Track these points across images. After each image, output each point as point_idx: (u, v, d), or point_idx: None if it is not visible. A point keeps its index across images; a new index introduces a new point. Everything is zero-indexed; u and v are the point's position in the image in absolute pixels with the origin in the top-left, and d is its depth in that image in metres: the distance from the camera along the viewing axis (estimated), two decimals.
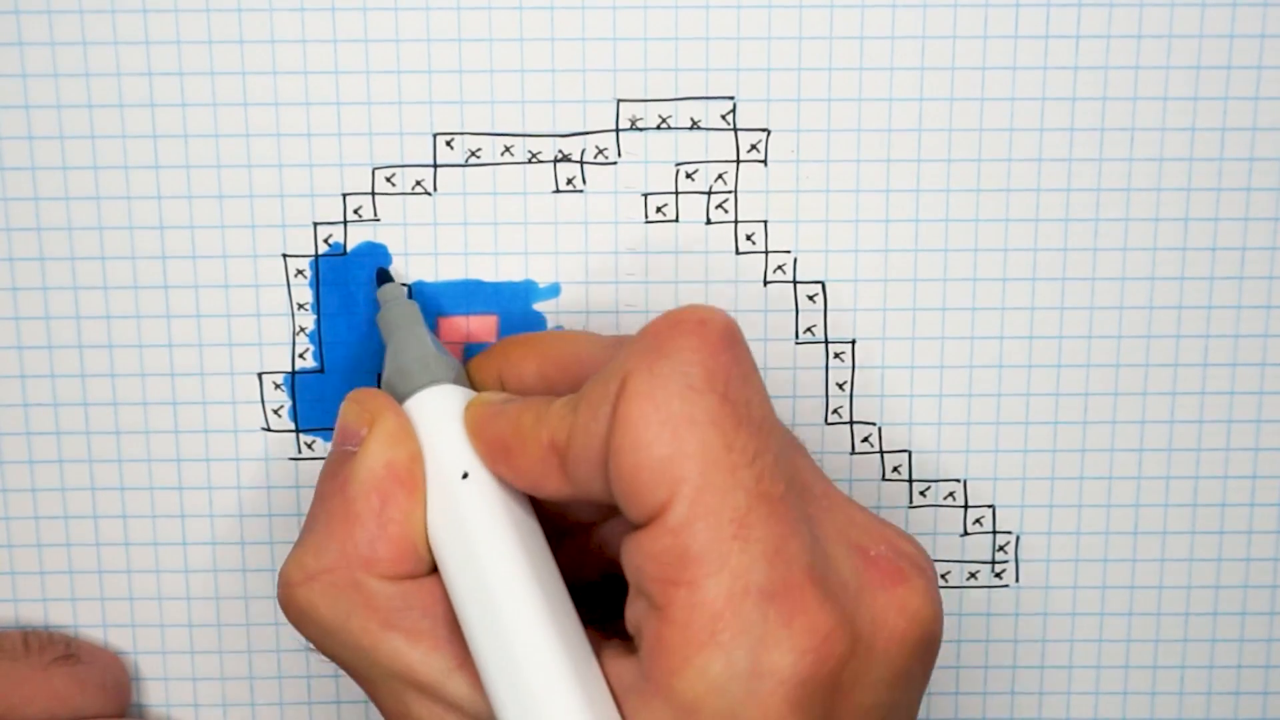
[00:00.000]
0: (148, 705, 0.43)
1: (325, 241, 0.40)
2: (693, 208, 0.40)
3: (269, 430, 0.41)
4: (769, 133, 0.40)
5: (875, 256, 0.41)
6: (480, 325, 0.41)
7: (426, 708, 0.34)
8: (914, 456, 0.42)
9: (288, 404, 0.41)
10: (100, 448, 0.41)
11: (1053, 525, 0.42)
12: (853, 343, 0.41)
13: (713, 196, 0.40)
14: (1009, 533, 0.42)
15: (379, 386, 0.37)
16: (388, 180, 0.40)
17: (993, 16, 0.39)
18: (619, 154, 0.40)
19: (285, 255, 0.40)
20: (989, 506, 0.42)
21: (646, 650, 0.31)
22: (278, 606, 0.42)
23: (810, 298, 0.41)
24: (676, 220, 0.40)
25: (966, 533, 0.42)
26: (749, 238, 0.40)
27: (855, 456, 0.42)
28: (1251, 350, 0.41)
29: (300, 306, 0.41)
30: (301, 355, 0.41)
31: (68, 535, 0.42)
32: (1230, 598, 0.43)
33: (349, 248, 0.40)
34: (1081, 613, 0.43)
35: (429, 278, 0.40)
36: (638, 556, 0.31)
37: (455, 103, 0.39)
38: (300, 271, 0.40)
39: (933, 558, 0.41)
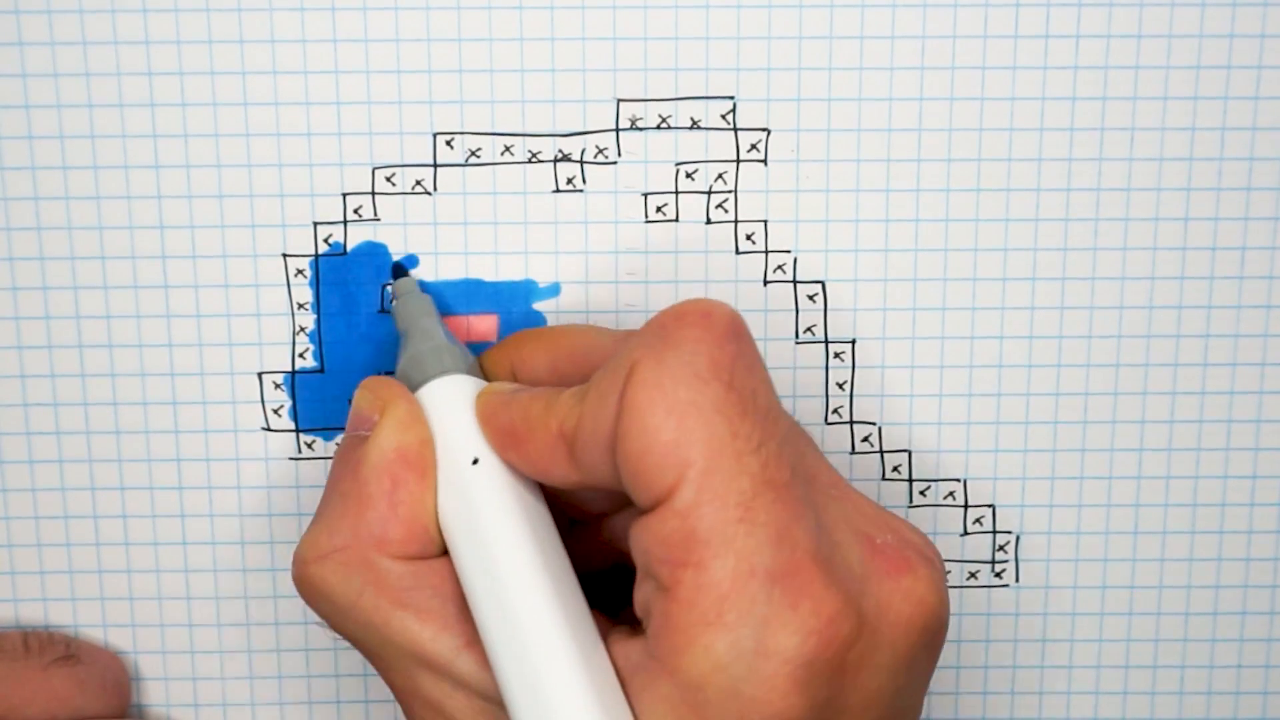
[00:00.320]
0: (148, 705, 0.43)
1: (325, 241, 0.40)
2: (693, 207, 0.40)
3: (269, 430, 0.41)
4: (769, 132, 0.40)
5: (875, 256, 0.41)
6: (480, 325, 0.41)
7: (435, 685, 0.35)
8: (914, 456, 0.42)
9: (288, 404, 0.41)
10: (100, 448, 0.41)
11: (1053, 525, 0.42)
12: (853, 343, 0.41)
13: (713, 196, 0.40)
14: (1009, 533, 0.42)
15: (393, 376, 0.38)
16: (388, 180, 0.40)
17: (993, 16, 0.39)
18: (619, 154, 0.40)
19: (285, 255, 0.40)
20: (989, 506, 0.42)
21: (653, 630, 0.32)
22: (278, 606, 0.42)
23: (810, 297, 0.41)
24: (676, 220, 0.40)
25: (966, 533, 0.42)
26: (749, 237, 0.40)
27: (855, 456, 0.42)
28: (1251, 350, 0.41)
29: (300, 306, 0.41)
30: (301, 355, 0.41)
31: (68, 535, 0.42)
32: (1230, 598, 0.43)
33: (349, 247, 0.40)
34: (1081, 613, 0.43)
35: (429, 277, 0.40)
36: (645, 539, 0.32)
37: (455, 102, 0.39)
38: (300, 271, 0.40)
39: None
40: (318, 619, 0.38)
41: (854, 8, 0.39)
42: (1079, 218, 0.40)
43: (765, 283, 0.41)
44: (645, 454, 0.31)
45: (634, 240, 0.40)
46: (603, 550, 0.37)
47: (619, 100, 0.40)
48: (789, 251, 0.41)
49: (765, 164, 0.40)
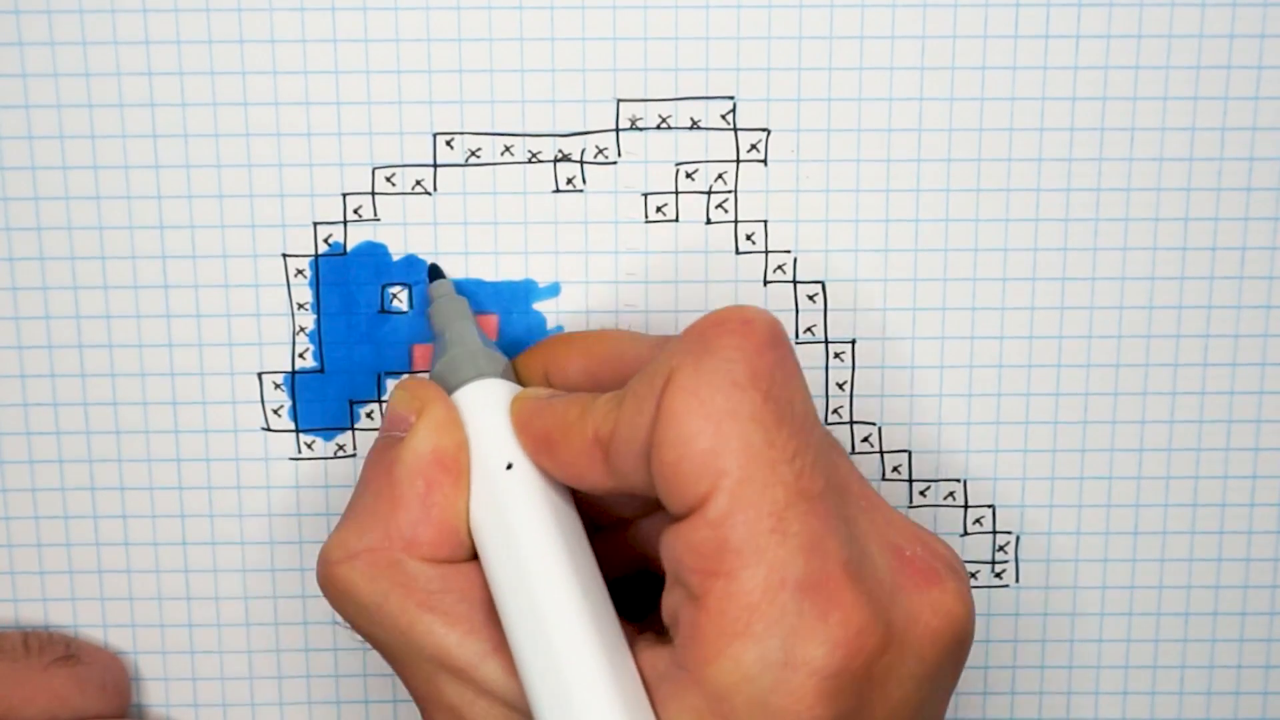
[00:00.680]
0: (148, 705, 0.43)
1: (325, 241, 0.40)
2: (693, 207, 0.40)
3: (269, 430, 0.41)
4: (769, 132, 0.40)
5: (875, 256, 0.41)
6: (481, 325, 0.41)
7: (458, 691, 0.34)
8: (914, 456, 0.42)
9: (287, 404, 0.41)
10: (100, 448, 0.41)
11: (1053, 525, 0.42)
12: (853, 343, 0.41)
13: (713, 196, 0.40)
14: (1009, 533, 0.42)
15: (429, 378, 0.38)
16: (388, 180, 0.40)
17: (993, 16, 0.39)
18: (619, 154, 0.40)
19: (285, 255, 0.40)
20: (989, 506, 0.42)
21: (682, 639, 0.32)
22: (278, 606, 0.42)
23: (810, 298, 0.41)
24: (676, 220, 0.40)
25: (966, 533, 0.42)
26: (749, 238, 0.40)
27: (855, 456, 0.42)
28: (1251, 350, 0.41)
29: (300, 306, 0.41)
30: (301, 355, 0.41)
31: (68, 535, 0.42)
32: (1230, 598, 0.43)
33: (349, 248, 0.40)
34: (1081, 613, 0.43)
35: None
36: (677, 547, 0.32)
37: (455, 103, 0.39)
38: (300, 271, 0.40)
39: None
40: (341, 620, 0.37)
41: (854, 8, 0.39)
42: (1079, 218, 0.40)
43: (765, 283, 0.41)
44: (680, 462, 0.31)
45: (634, 240, 0.40)
46: (627, 556, 0.37)
47: (619, 100, 0.40)
48: (789, 251, 0.41)
49: (765, 164, 0.40)
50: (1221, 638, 0.43)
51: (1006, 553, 0.42)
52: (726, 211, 0.40)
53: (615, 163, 0.40)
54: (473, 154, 0.40)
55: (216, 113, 0.39)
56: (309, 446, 0.41)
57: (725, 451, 0.31)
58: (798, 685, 0.31)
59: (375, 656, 0.42)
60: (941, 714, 0.34)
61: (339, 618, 0.38)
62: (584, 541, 0.35)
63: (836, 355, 0.41)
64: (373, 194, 0.40)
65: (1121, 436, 0.42)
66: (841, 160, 0.40)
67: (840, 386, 0.41)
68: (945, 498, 0.42)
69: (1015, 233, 0.40)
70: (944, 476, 0.42)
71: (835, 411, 0.41)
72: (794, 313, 0.41)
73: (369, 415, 0.41)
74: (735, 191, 0.40)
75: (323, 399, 0.41)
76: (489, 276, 0.40)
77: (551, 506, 0.34)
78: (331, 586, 0.36)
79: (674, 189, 0.40)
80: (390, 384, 0.41)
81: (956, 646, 0.33)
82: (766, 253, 0.41)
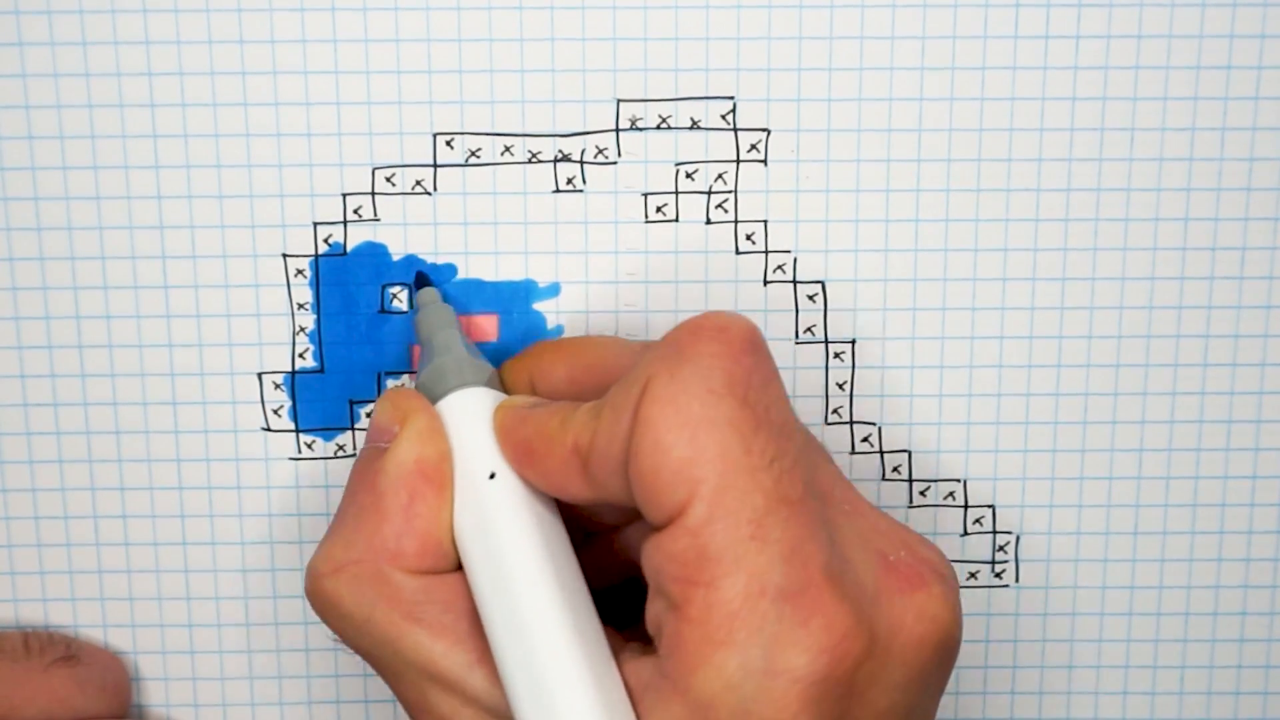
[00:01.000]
0: (148, 705, 0.43)
1: (325, 241, 0.40)
2: (693, 208, 0.40)
3: (269, 430, 0.41)
4: (769, 133, 0.40)
5: (875, 256, 0.41)
6: (480, 325, 0.41)
7: (447, 701, 0.34)
8: (914, 456, 0.42)
9: (287, 404, 0.41)
10: (100, 448, 0.41)
11: (1053, 525, 0.42)
12: (853, 343, 0.41)
13: (713, 196, 0.40)
14: (1009, 533, 0.42)
15: (412, 387, 0.38)
16: (388, 180, 0.40)
17: (993, 16, 0.39)
18: (619, 154, 0.40)
19: (285, 255, 0.40)
20: (989, 506, 0.42)
21: (665, 649, 0.32)
22: (278, 606, 0.42)
23: (810, 298, 0.41)
24: (676, 220, 0.40)
25: (966, 533, 0.42)
26: (749, 238, 0.40)
27: (855, 456, 0.42)
28: (1251, 350, 0.41)
29: (300, 306, 0.41)
30: (301, 355, 0.41)
31: (68, 535, 0.42)
32: (1230, 598, 0.43)
33: (349, 248, 0.40)
34: (1081, 613, 0.43)
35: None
36: (657, 556, 0.32)
37: (455, 103, 0.39)
38: (300, 271, 0.40)
39: None
40: (331, 633, 0.37)
41: (854, 8, 0.39)
42: (1079, 218, 0.40)
43: (765, 283, 0.41)
44: (658, 471, 0.31)
45: (634, 240, 0.40)
46: (616, 564, 0.37)
47: (619, 100, 0.40)
48: (789, 251, 0.41)
49: (765, 164, 0.40)
50: (1221, 638, 0.43)
51: (1006, 553, 0.42)
52: (726, 211, 0.40)
53: (615, 163, 0.40)
54: (473, 154, 0.40)
55: (216, 113, 0.39)
56: (309, 446, 0.41)
57: (702, 459, 0.31)
58: (781, 693, 0.30)
59: None
60: (931, 718, 0.34)
61: (330, 634, 0.38)
62: (568, 551, 0.35)
63: (836, 355, 0.41)
64: (373, 194, 0.40)
65: (1121, 436, 0.42)
66: (841, 160, 0.40)
67: (840, 386, 0.41)
68: (945, 498, 0.42)
69: (1015, 233, 0.40)
70: (944, 476, 0.42)
71: (835, 411, 0.41)
72: (794, 313, 0.41)
73: (369, 415, 0.41)
74: (735, 191, 0.40)
75: (323, 399, 0.41)
76: (489, 276, 0.40)
77: (534, 516, 0.34)
78: (319, 599, 0.36)
79: (674, 189, 0.40)
80: (390, 384, 0.41)
81: (943, 652, 0.33)
82: (766, 253, 0.41)
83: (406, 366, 0.41)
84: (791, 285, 0.41)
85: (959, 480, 0.42)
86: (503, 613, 0.33)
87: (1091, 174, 0.40)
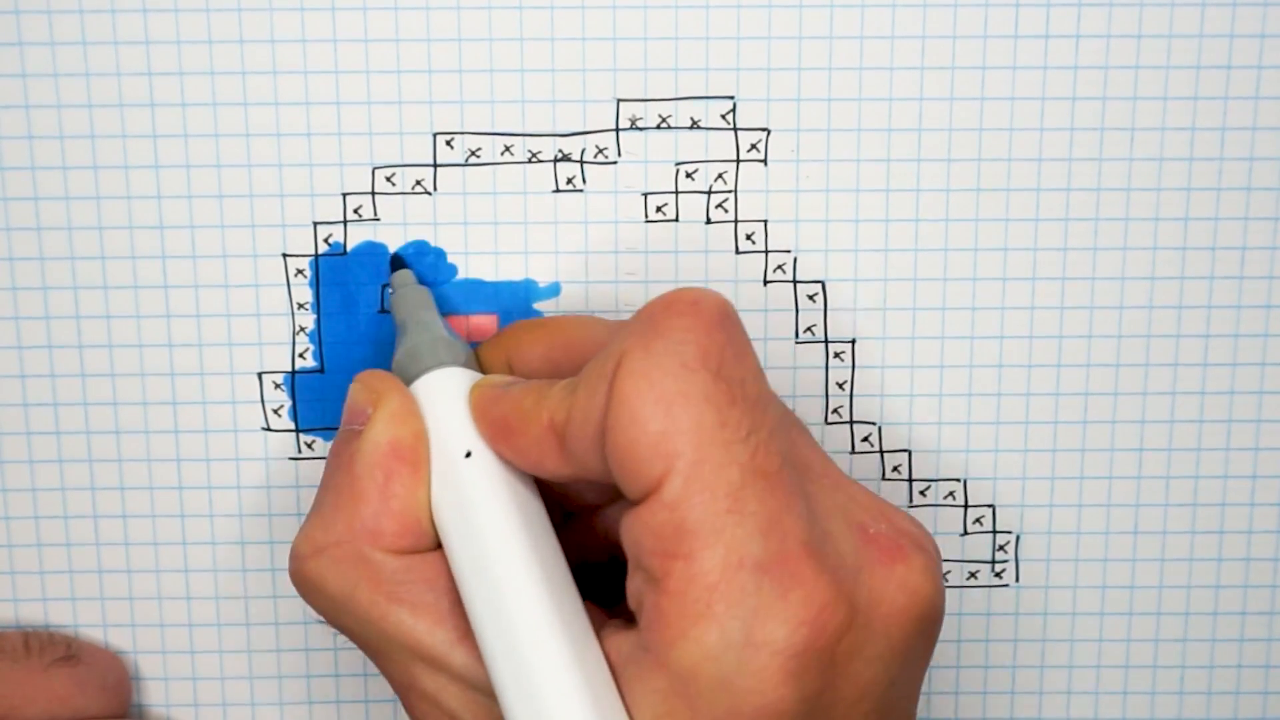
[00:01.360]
0: (148, 705, 0.43)
1: (325, 241, 0.40)
2: (693, 207, 0.40)
3: (269, 430, 0.41)
4: (769, 132, 0.40)
5: (875, 256, 0.41)
6: (480, 324, 0.41)
7: (431, 678, 0.35)
8: (914, 456, 0.42)
9: (287, 404, 0.41)
10: (100, 448, 0.41)
11: (1053, 525, 0.42)
12: (853, 342, 0.41)
13: (713, 196, 0.40)
14: (1009, 533, 0.42)
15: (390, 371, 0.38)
16: (388, 180, 0.40)
17: (993, 16, 0.39)
18: (619, 154, 0.40)
19: (285, 255, 0.40)
20: (989, 506, 0.42)
21: (645, 622, 0.32)
22: (278, 606, 0.42)
23: (810, 297, 0.41)
24: (676, 220, 0.40)
25: (966, 533, 0.42)
26: (749, 237, 0.40)
27: (855, 456, 0.42)
28: (1251, 350, 0.41)
29: (300, 306, 0.41)
30: (301, 355, 0.41)
31: (68, 535, 0.42)
32: (1230, 598, 0.43)
33: (349, 247, 0.40)
34: (1081, 613, 0.43)
35: (427, 277, 0.40)
36: (635, 530, 0.32)
37: (455, 102, 0.39)
38: (300, 271, 0.40)
39: None
40: (317, 616, 0.38)
41: (854, 8, 0.39)
42: (1079, 218, 0.40)
43: (765, 283, 0.41)
44: (633, 445, 0.31)
45: (634, 240, 0.40)
46: (597, 542, 0.37)
47: (619, 100, 0.40)
48: (789, 251, 0.41)
49: (765, 164, 0.40)
50: (1221, 638, 0.43)
51: (1006, 553, 0.42)
52: (726, 211, 0.40)
53: (615, 163, 0.40)
54: (473, 154, 0.40)
55: (216, 113, 0.39)
56: (309, 446, 0.41)
57: (677, 433, 0.31)
58: (761, 665, 0.30)
59: None
60: (914, 694, 0.34)
61: (315, 615, 0.38)
62: (547, 527, 0.35)
63: (836, 355, 0.41)
64: (373, 194, 0.40)
65: (1121, 436, 0.42)
66: (841, 160, 0.40)
67: (840, 386, 0.41)
68: (945, 498, 0.42)
69: (1015, 233, 0.40)
70: (944, 476, 0.42)
71: (835, 411, 0.41)
72: (794, 313, 0.41)
73: None
74: (735, 191, 0.40)
75: (323, 399, 0.41)
76: (489, 276, 0.40)
77: (512, 493, 0.34)
78: (302, 582, 0.36)
79: (674, 189, 0.40)
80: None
81: (924, 624, 0.33)
82: (766, 253, 0.41)
83: None
84: (791, 285, 0.41)
85: (959, 480, 0.42)
86: (482, 589, 0.33)
87: (1091, 174, 0.40)
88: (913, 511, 0.42)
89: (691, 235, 0.40)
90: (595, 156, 0.40)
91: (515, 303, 0.41)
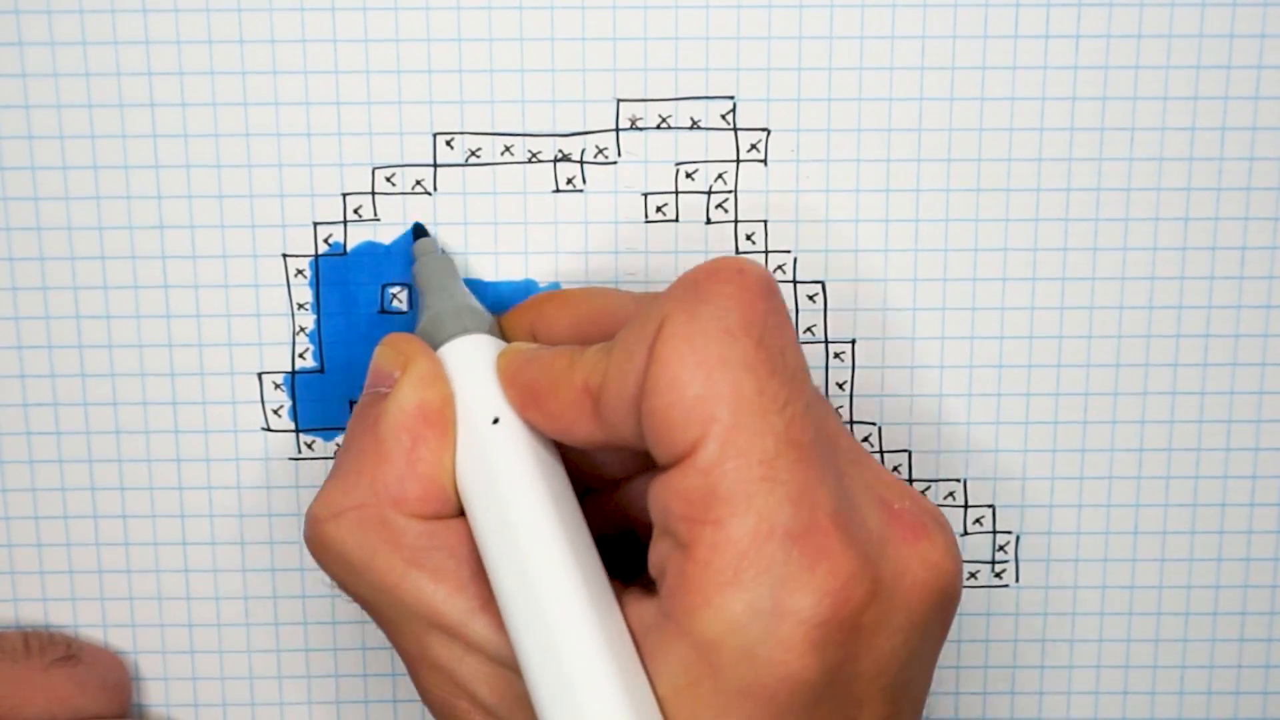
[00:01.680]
0: (148, 705, 0.43)
1: (325, 241, 0.40)
2: (693, 207, 0.40)
3: (269, 430, 0.41)
4: (769, 132, 0.40)
5: (875, 256, 0.41)
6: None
7: (447, 648, 0.34)
8: (914, 456, 0.42)
9: (287, 404, 0.41)
10: (100, 448, 0.41)
11: (1053, 525, 0.42)
12: (853, 343, 0.41)
13: (713, 196, 0.40)
14: (1009, 533, 0.42)
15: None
16: (388, 180, 0.40)
17: (993, 16, 0.39)
18: (619, 154, 0.40)
19: (285, 255, 0.40)
20: (989, 506, 0.42)
21: (669, 589, 0.32)
22: (278, 606, 0.42)
23: (810, 298, 0.41)
24: (676, 220, 0.40)
25: (966, 533, 0.42)
26: (749, 238, 0.40)
27: None
28: (1251, 350, 0.41)
29: (300, 306, 0.41)
30: (301, 355, 0.41)
31: (68, 535, 0.42)
32: (1230, 598, 0.43)
33: (349, 247, 0.40)
34: (1081, 613, 0.43)
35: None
36: (665, 495, 0.32)
37: (455, 102, 0.39)
38: (300, 271, 0.40)
39: None
40: (329, 582, 0.37)
41: (854, 8, 0.39)
42: (1079, 218, 0.40)
43: None
44: (671, 408, 0.31)
45: (634, 240, 0.40)
46: (614, 517, 0.37)
47: (619, 100, 0.40)
48: (789, 251, 0.41)
49: (765, 164, 0.40)
50: (1221, 638, 0.43)
51: (1006, 553, 0.42)
52: (726, 211, 0.40)
53: (615, 163, 0.40)
54: (473, 154, 0.40)
55: (216, 113, 0.39)
56: (309, 446, 0.41)
57: (716, 398, 0.31)
58: (786, 635, 0.30)
59: (375, 656, 0.42)
60: (929, 674, 0.34)
61: (329, 582, 0.37)
62: (570, 495, 0.35)
63: (836, 355, 0.41)
64: (373, 194, 0.40)
65: (1121, 436, 0.42)
66: (841, 160, 0.40)
67: (840, 386, 0.41)
68: (945, 498, 0.42)
69: (1015, 233, 0.40)
70: (944, 476, 0.42)
71: (835, 411, 0.41)
72: (794, 313, 0.41)
73: None
74: (735, 191, 0.40)
75: (323, 399, 0.41)
76: (489, 276, 0.40)
77: (538, 460, 0.34)
78: (319, 545, 0.35)
79: (674, 189, 0.40)
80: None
81: (945, 600, 0.33)
82: (766, 253, 0.41)
83: None
84: (791, 285, 0.41)
85: (959, 480, 0.42)
86: (505, 556, 0.33)
87: (1091, 174, 0.40)
88: None
89: (691, 235, 0.40)
90: (595, 156, 0.40)
91: (515, 303, 0.41)
